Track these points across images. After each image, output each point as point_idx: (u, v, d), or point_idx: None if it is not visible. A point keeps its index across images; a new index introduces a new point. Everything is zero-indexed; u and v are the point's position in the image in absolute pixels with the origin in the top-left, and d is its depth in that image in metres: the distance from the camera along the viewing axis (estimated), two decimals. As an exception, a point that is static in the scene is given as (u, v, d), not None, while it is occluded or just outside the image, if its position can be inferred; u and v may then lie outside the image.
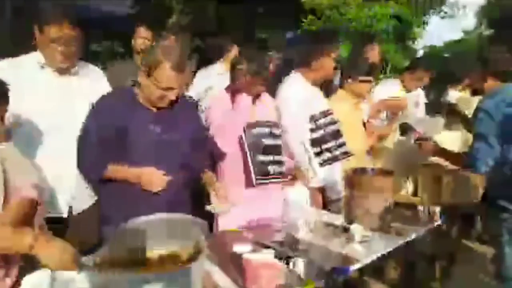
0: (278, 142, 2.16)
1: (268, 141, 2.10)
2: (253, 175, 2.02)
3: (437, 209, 2.13)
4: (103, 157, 1.67)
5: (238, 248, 1.66)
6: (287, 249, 1.73)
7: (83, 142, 1.70)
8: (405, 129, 2.60)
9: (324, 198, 2.42)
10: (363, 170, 2.10)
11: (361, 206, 1.97)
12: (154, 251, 1.28)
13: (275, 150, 2.13)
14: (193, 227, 1.45)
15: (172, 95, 1.69)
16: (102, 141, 1.67)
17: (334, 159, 2.42)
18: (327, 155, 2.41)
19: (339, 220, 2.02)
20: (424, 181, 2.59)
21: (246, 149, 2.03)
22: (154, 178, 1.68)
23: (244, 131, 2.04)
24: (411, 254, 2.20)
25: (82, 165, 1.73)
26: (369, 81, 2.61)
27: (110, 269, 1.18)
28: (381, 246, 1.78)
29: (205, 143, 1.96)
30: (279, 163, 2.13)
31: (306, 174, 2.32)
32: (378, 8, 5.45)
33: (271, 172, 2.08)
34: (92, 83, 1.92)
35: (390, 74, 5.81)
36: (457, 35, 19.45)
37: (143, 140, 1.70)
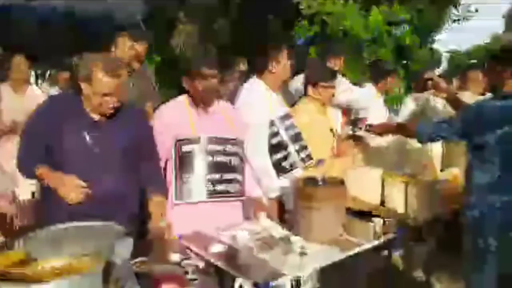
0: (221, 159, 2.06)
1: (200, 159, 2.02)
2: (172, 195, 1.99)
3: (393, 221, 2.01)
4: (35, 157, 1.73)
5: (172, 257, 1.62)
6: (222, 261, 1.68)
7: (21, 139, 1.79)
8: (354, 121, 2.55)
9: (282, 208, 2.34)
10: (312, 180, 2.02)
11: (307, 218, 1.88)
12: (48, 262, 1.24)
13: (211, 168, 2.03)
14: (105, 236, 1.42)
15: (110, 101, 1.70)
16: (37, 142, 1.74)
17: (295, 164, 2.36)
18: (288, 161, 2.35)
19: (285, 232, 1.94)
20: (391, 190, 2.48)
21: (172, 167, 2.01)
22: (69, 190, 1.65)
23: (175, 146, 2.01)
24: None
25: (17, 161, 1.80)
26: (332, 87, 2.57)
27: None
28: (322, 260, 1.70)
29: (148, 156, 1.92)
30: (221, 182, 2.04)
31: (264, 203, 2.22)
32: (372, 14, 5.36)
33: (195, 191, 2.00)
34: None
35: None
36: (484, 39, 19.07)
37: (75, 148, 1.72)
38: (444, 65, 19.77)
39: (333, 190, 1.93)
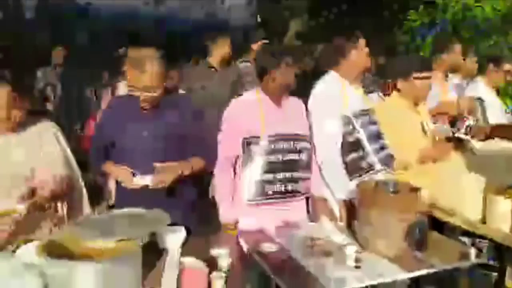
0: (298, 157, 2.01)
1: (275, 157, 1.96)
2: (245, 194, 1.97)
3: (485, 243, 1.64)
4: (102, 155, 1.92)
5: (213, 251, 1.63)
6: (268, 262, 1.61)
7: (91, 141, 2.01)
8: (453, 122, 2.14)
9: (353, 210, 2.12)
10: (383, 184, 1.78)
11: (369, 226, 1.67)
12: (94, 243, 1.35)
13: (289, 166, 1.98)
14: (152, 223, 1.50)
15: (142, 95, 1.77)
16: (103, 141, 1.92)
17: (374, 165, 2.13)
18: (365, 161, 2.13)
19: (346, 239, 1.76)
20: (494, 206, 2.04)
21: (240, 166, 1.99)
22: (127, 179, 1.79)
23: (243, 144, 1.98)
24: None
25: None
26: (428, 77, 2.23)
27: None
28: (377, 276, 1.48)
29: (200, 141, 1.96)
30: (291, 180, 1.99)
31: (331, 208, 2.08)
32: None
33: (269, 192, 1.96)
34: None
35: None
36: None
37: (133, 140, 1.85)
38: None
39: (403, 199, 1.67)
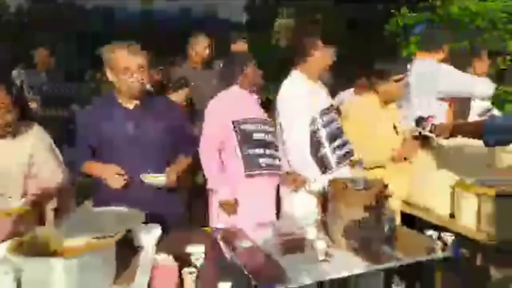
0: (270, 138, 2.25)
1: (259, 136, 2.21)
2: (243, 166, 2.16)
3: (451, 237, 1.71)
4: (81, 155, 1.89)
5: (189, 248, 1.66)
6: (241, 258, 1.65)
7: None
8: (418, 121, 2.22)
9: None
10: (351, 182, 1.83)
11: (336, 221, 1.73)
12: (71, 241, 1.38)
13: (267, 144, 2.24)
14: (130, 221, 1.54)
15: (133, 78, 1.79)
16: (82, 143, 1.90)
17: (334, 163, 2.24)
18: (327, 160, 2.24)
19: (319, 234, 1.82)
20: (461, 201, 2.12)
21: (236, 143, 2.16)
22: (110, 177, 1.80)
23: (234, 126, 2.17)
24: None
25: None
26: (403, 78, 2.36)
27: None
28: (343, 269, 1.54)
29: (184, 138, 2.04)
30: (271, 156, 2.23)
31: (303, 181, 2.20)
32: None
33: (262, 164, 2.19)
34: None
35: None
36: None
37: (116, 138, 1.86)
38: None
39: (372, 195, 1.72)
